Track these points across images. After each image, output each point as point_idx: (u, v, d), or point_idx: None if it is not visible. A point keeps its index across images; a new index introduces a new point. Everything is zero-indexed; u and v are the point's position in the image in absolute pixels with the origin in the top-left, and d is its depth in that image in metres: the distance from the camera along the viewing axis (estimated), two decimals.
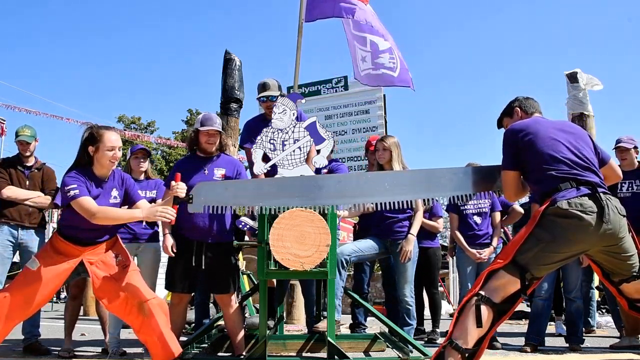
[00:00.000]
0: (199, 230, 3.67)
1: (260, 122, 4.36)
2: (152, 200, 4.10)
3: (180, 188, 3.12)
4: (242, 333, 3.78)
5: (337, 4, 5.60)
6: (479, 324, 2.48)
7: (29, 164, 4.43)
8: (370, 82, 5.76)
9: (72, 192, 3.00)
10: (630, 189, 4.69)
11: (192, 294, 4.54)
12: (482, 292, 2.53)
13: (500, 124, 3.20)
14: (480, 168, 3.12)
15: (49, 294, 3.12)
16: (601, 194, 2.53)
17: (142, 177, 4.40)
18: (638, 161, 4.80)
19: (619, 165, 4.58)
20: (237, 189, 3.29)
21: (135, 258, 4.26)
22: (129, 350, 4.19)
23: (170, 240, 3.61)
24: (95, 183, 3.14)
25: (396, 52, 5.67)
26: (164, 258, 4.60)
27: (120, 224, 3.31)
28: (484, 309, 2.50)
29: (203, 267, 3.68)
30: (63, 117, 16.54)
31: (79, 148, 3.20)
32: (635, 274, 2.61)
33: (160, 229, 4.00)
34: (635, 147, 4.77)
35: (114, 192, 3.23)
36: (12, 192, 4.25)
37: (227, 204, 3.21)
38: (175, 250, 3.61)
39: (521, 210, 5.32)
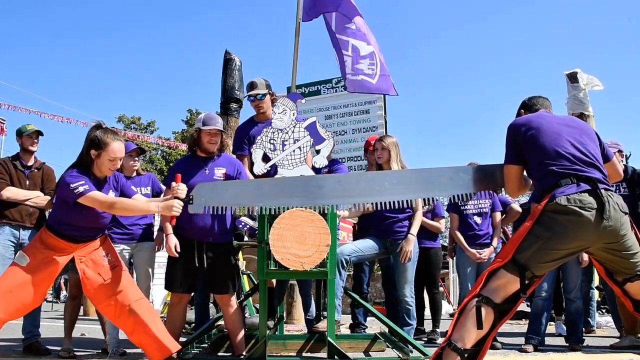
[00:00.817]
0: (198, 230, 3.67)
1: (247, 126, 4.36)
2: (152, 196, 4.12)
3: (180, 189, 3.12)
4: (242, 333, 3.78)
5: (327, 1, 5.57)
6: (479, 325, 2.47)
7: (29, 164, 4.43)
8: (349, 87, 5.74)
9: (80, 189, 2.99)
10: (617, 191, 4.70)
11: (192, 294, 4.53)
12: (483, 293, 2.52)
13: None
14: (480, 167, 3.10)
15: (40, 291, 3.07)
16: (602, 190, 2.50)
17: (133, 174, 4.40)
18: (624, 165, 4.81)
19: None
20: (237, 190, 3.28)
21: (132, 257, 4.27)
22: (128, 350, 4.19)
23: (173, 241, 3.61)
24: (95, 183, 3.14)
25: (377, 56, 5.64)
26: (161, 258, 4.61)
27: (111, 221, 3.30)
28: (484, 310, 2.48)
29: (205, 267, 3.68)
30: (63, 118, 16.52)
31: (82, 147, 3.19)
32: (639, 273, 2.57)
33: (161, 229, 4.00)
34: (620, 151, 4.78)
35: (111, 193, 3.24)
36: (11, 192, 4.25)
37: (227, 205, 3.20)
38: (179, 250, 3.61)
39: (519, 209, 5.34)
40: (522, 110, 3.03)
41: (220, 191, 3.23)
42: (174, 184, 3.17)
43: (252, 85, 4.30)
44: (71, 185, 3.01)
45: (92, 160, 3.15)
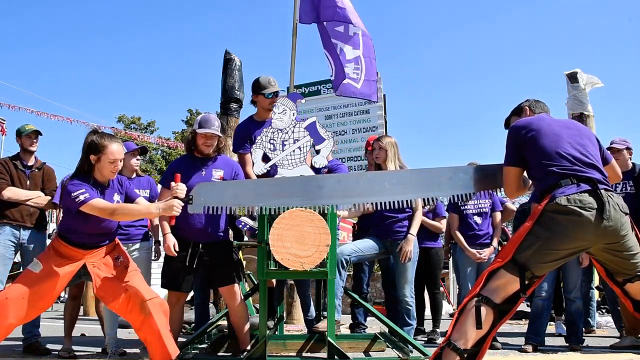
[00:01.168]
0: (194, 230, 3.67)
1: (249, 124, 4.35)
2: (149, 200, 4.11)
3: (180, 189, 3.13)
4: (247, 326, 3.77)
5: (325, 7, 5.59)
6: (478, 325, 2.46)
7: (29, 164, 4.43)
8: (336, 90, 5.75)
9: (81, 197, 3.02)
10: (623, 189, 4.70)
11: (192, 293, 4.52)
12: (483, 293, 2.52)
13: (507, 124, 3.18)
14: (481, 167, 3.10)
15: (51, 297, 3.11)
16: (602, 191, 2.50)
17: (133, 175, 4.41)
18: (632, 162, 4.81)
19: None
20: (237, 190, 3.28)
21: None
22: (128, 350, 4.19)
23: (171, 240, 3.61)
24: (98, 189, 3.16)
25: (362, 61, 5.63)
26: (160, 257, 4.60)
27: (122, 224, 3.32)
28: (484, 310, 2.48)
29: (196, 266, 3.68)
30: (64, 117, 16.47)
31: (81, 154, 3.21)
32: (639, 273, 2.57)
33: (160, 229, 3.99)
34: (628, 148, 4.79)
35: (116, 197, 3.26)
36: (12, 192, 4.25)
37: (227, 205, 3.20)
38: (177, 249, 3.61)
39: (514, 207, 5.36)
40: (527, 108, 3.03)
41: (219, 191, 3.24)
42: (173, 184, 3.17)
43: (270, 82, 4.28)
44: (72, 194, 3.04)
45: (93, 166, 3.18)
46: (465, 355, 2.48)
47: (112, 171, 3.19)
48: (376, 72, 5.67)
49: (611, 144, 4.78)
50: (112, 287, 3.15)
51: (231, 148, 4.48)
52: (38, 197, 4.35)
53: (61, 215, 3.38)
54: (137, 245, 4.29)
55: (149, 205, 3.27)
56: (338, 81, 5.49)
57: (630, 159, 4.83)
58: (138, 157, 4.42)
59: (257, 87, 4.26)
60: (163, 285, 3.84)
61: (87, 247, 3.16)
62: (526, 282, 2.51)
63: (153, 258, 4.44)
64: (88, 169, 3.18)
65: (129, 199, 3.33)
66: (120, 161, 3.22)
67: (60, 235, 3.18)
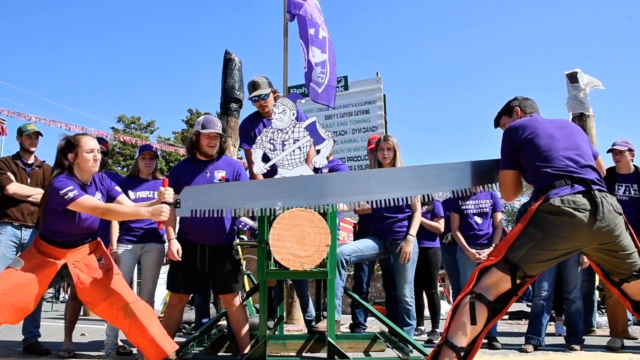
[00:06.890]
0: (200, 233, 3.67)
1: (254, 120, 4.35)
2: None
3: (167, 193, 3.09)
4: (246, 331, 3.77)
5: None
6: (473, 321, 2.48)
7: (29, 162, 4.45)
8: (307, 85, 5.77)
9: (70, 194, 2.97)
10: (627, 192, 4.67)
11: (192, 294, 4.52)
12: (476, 290, 2.53)
13: (497, 123, 3.19)
14: (477, 162, 3.08)
15: (34, 295, 3.03)
16: (596, 192, 2.51)
17: (150, 177, 4.41)
18: (634, 165, 4.79)
19: (615, 168, 4.74)
20: (223, 192, 3.23)
21: (140, 258, 4.27)
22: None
23: (175, 245, 3.61)
24: (80, 188, 3.11)
25: (328, 66, 5.62)
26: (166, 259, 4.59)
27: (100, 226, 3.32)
28: (478, 306, 2.50)
29: (207, 269, 3.70)
30: (62, 123, 16.37)
31: (56, 159, 3.19)
32: (635, 273, 2.58)
33: (165, 233, 3.97)
34: (630, 150, 4.76)
35: (98, 195, 3.23)
36: (17, 187, 4.27)
37: (214, 207, 3.14)
38: (181, 256, 3.61)
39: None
40: (517, 108, 3.03)
41: (207, 194, 3.19)
42: (161, 188, 3.12)
43: (254, 85, 4.26)
44: (60, 191, 2.98)
45: (72, 164, 3.15)
46: (462, 354, 2.49)
47: (92, 164, 3.16)
48: (336, 78, 5.69)
49: (613, 145, 4.76)
50: (95, 292, 3.12)
51: (231, 149, 4.48)
52: (40, 194, 4.34)
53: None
54: (147, 247, 4.26)
55: (138, 207, 3.22)
56: (308, 80, 5.47)
57: (632, 160, 4.80)
58: (149, 160, 4.40)
59: (247, 90, 4.34)
60: (168, 287, 3.84)
61: (68, 246, 3.13)
62: (518, 281, 2.52)
63: (164, 262, 4.37)
64: (68, 170, 3.15)
65: (110, 197, 3.29)
66: (98, 151, 3.19)
67: (42, 237, 3.13)
